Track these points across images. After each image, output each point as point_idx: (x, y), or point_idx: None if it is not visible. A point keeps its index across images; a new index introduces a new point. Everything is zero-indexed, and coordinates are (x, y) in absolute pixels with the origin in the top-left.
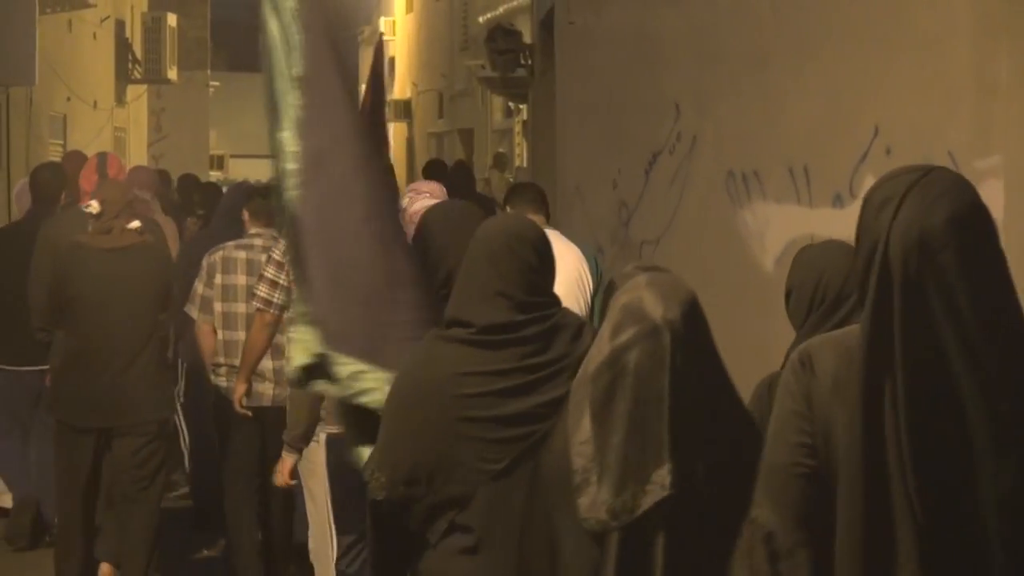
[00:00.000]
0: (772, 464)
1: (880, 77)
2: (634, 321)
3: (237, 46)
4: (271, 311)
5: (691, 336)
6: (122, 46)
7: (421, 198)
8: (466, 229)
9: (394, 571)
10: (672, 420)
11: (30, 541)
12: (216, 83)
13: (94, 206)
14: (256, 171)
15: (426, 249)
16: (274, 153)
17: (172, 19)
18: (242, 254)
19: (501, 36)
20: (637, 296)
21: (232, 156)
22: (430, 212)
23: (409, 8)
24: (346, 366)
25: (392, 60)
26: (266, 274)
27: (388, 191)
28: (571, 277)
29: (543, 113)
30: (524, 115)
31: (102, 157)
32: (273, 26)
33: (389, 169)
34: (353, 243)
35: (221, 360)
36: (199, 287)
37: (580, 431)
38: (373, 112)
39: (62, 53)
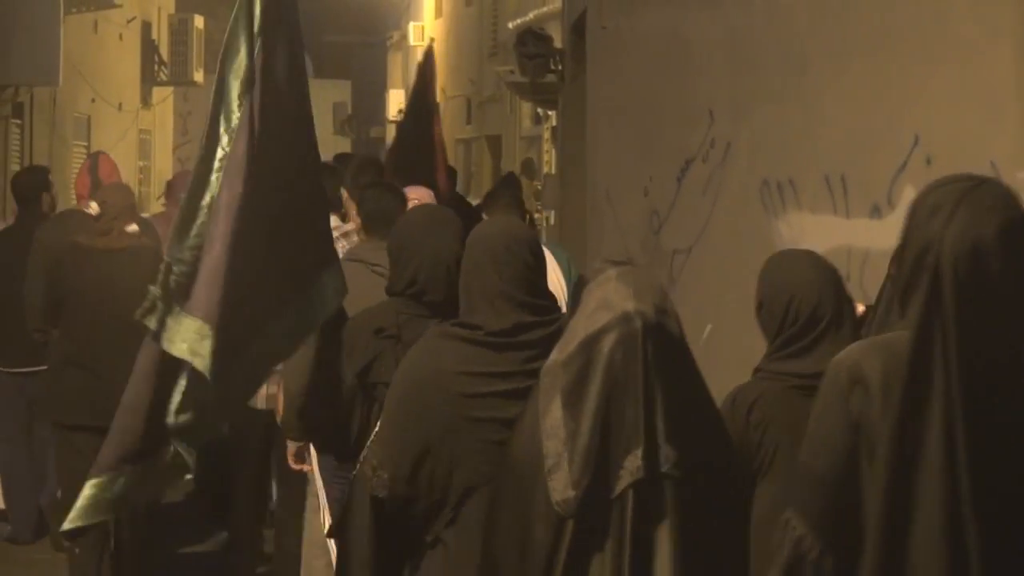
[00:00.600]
0: (810, 469)
1: (921, 85)
2: (607, 310)
3: None
4: None
5: (662, 327)
6: (148, 48)
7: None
8: (432, 232)
9: (393, 571)
10: (645, 406)
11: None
12: None
13: (94, 207)
14: None
15: (393, 251)
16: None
17: (199, 21)
18: None
19: (531, 40)
20: (609, 288)
21: None
22: (402, 217)
23: (438, 13)
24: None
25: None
26: None
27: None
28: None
29: (573, 119)
30: (553, 121)
31: (94, 158)
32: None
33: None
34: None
35: None
36: None
37: (551, 416)
38: (420, 118)
39: (87, 54)
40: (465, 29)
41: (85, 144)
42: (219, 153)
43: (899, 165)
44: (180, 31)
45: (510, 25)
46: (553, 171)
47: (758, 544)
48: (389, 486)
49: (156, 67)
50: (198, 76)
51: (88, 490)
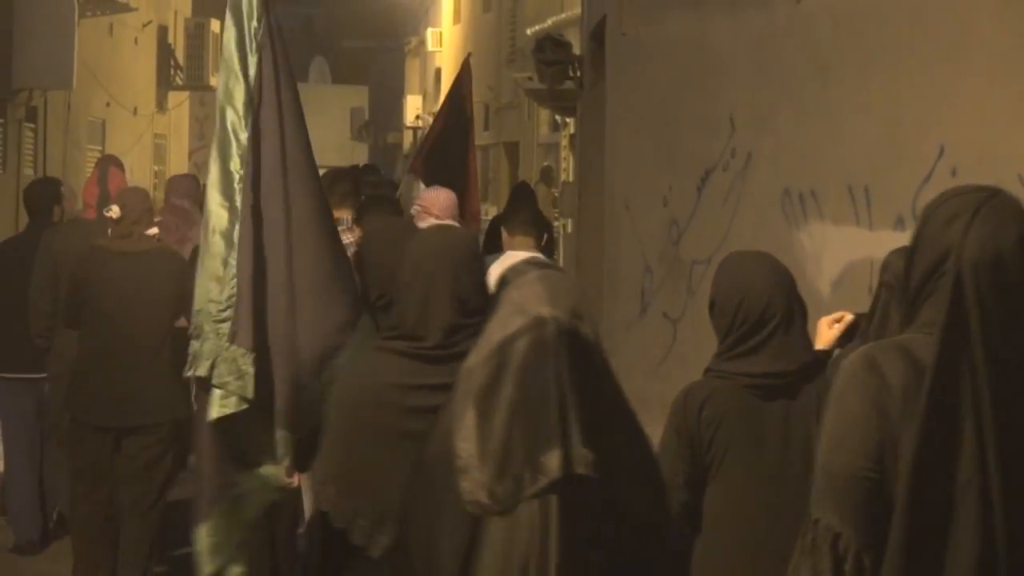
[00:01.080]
0: (836, 468)
1: (946, 95)
2: (521, 314)
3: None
4: None
5: (575, 332)
6: (164, 52)
7: (428, 218)
8: (401, 247)
9: None
10: (560, 407)
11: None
12: None
13: (114, 211)
14: None
15: (363, 266)
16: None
17: (216, 25)
18: None
19: (550, 47)
20: (526, 292)
21: None
22: (372, 231)
23: (456, 19)
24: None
25: (438, 72)
26: None
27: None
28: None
29: (591, 126)
30: (571, 128)
31: (103, 169)
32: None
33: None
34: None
35: None
36: None
37: (464, 417)
38: (447, 127)
39: (102, 58)
40: (483, 35)
41: (99, 148)
42: (235, 178)
43: (924, 176)
44: (196, 35)
45: (528, 31)
46: (571, 178)
47: (710, 542)
48: (333, 501)
49: (172, 71)
50: (214, 80)
51: (205, 540)
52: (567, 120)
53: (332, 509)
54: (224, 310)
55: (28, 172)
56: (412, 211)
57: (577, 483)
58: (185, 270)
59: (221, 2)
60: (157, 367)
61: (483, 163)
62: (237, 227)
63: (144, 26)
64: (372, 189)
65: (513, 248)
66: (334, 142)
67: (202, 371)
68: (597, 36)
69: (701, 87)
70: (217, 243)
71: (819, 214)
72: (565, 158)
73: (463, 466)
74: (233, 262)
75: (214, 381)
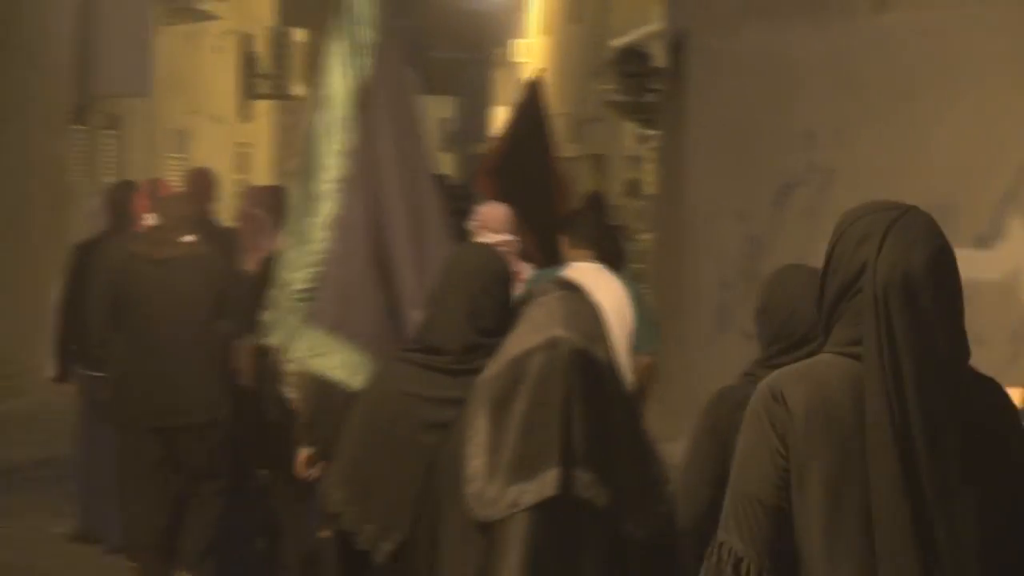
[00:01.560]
0: (742, 492)
1: None
2: (537, 332)
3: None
4: None
5: (587, 354)
6: (247, 60)
7: (486, 233)
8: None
9: None
10: (565, 426)
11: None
12: None
13: (152, 218)
14: None
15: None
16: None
17: (299, 34)
18: None
19: (631, 59)
20: (544, 311)
21: None
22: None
23: (544, 31)
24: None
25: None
26: None
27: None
28: (615, 309)
29: (672, 140)
30: (654, 141)
31: (154, 184)
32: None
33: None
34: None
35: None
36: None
37: (477, 428)
38: (516, 144)
39: (185, 66)
40: (570, 46)
41: (181, 157)
42: (326, 175)
43: (1005, 194)
44: (279, 44)
45: (613, 43)
46: (654, 191)
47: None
48: (343, 506)
49: (255, 80)
50: (297, 89)
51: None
52: (650, 133)
53: (342, 513)
54: (306, 290)
55: (108, 179)
56: (470, 227)
57: (576, 502)
58: (223, 273)
59: (304, 11)
60: (198, 367)
61: (569, 175)
62: (326, 215)
63: (226, 35)
64: (451, 200)
65: (575, 258)
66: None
67: (275, 340)
68: (678, 48)
69: (781, 101)
70: (310, 228)
71: None
72: (649, 171)
73: (471, 474)
74: (320, 247)
75: (289, 355)
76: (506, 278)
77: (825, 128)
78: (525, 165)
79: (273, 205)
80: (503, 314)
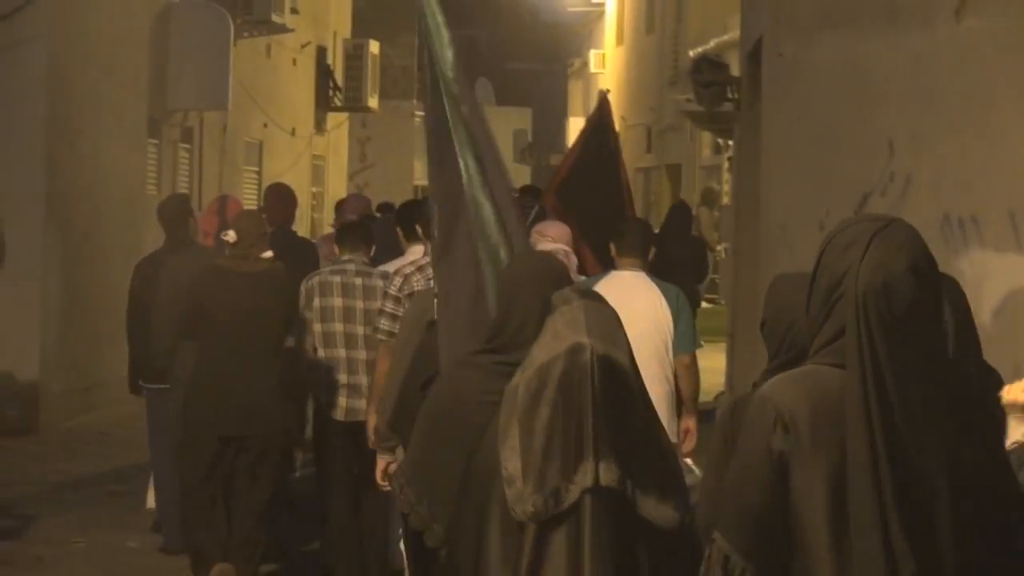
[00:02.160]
0: (739, 497)
1: None
2: (562, 340)
3: None
4: (392, 341)
5: (609, 359)
6: (323, 73)
7: (544, 240)
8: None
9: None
10: (592, 427)
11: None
12: (422, 113)
13: (231, 235)
14: None
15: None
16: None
17: (375, 46)
18: (337, 278)
19: (706, 68)
20: (567, 318)
21: None
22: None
23: (619, 41)
24: None
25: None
26: (386, 309)
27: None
28: (649, 315)
29: (749, 149)
30: (731, 151)
31: (223, 201)
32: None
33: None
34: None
35: (320, 376)
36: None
37: (509, 433)
38: (582, 161)
39: (260, 79)
40: (646, 56)
41: (256, 169)
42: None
43: None
44: (355, 56)
45: (691, 53)
46: (730, 201)
47: None
48: (413, 506)
49: (331, 92)
50: (372, 102)
51: None
52: (727, 142)
53: (411, 514)
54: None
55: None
56: (531, 239)
57: (606, 494)
58: (294, 290)
59: (380, 24)
60: (268, 380)
61: (645, 185)
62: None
63: (302, 47)
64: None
65: (620, 267)
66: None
67: None
68: (754, 57)
69: (859, 109)
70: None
71: (980, 240)
72: (727, 180)
73: (508, 478)
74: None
75: None
76: (570, 280)
77: (903, 136)
78: (593, 183)
79: (369, 213)
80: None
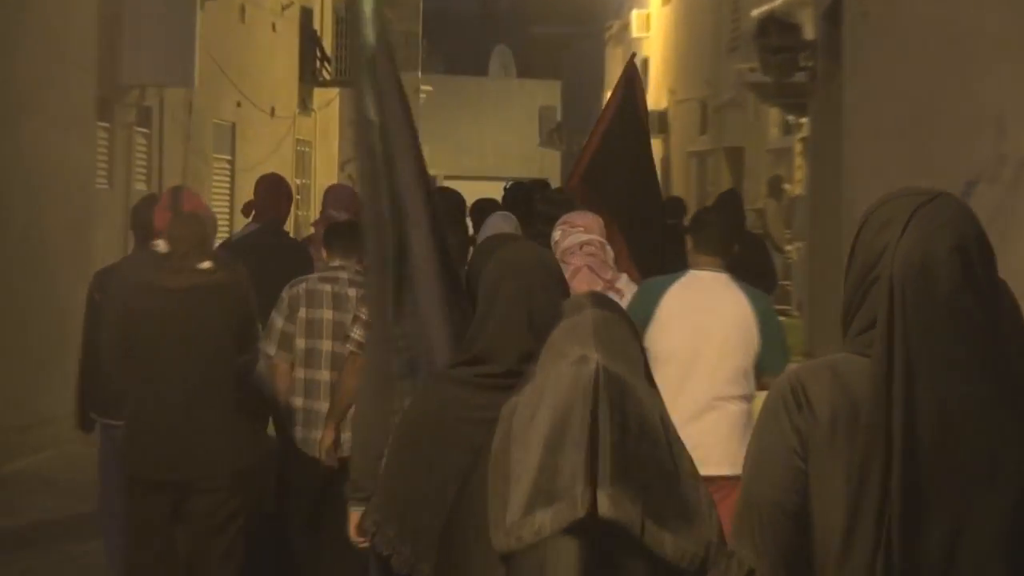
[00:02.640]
0: (756, 499)
1: None
2: (565, 352)
3: (455, 43)
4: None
5: (616, 373)
6: (308, 40)
7: (575, 231)
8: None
9: None
10: (591, 447)
11: None
12: (428, 88)
13: (161, 245)
14: (476, 195)
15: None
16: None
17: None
18: (327, 287)
19: (775, 31)
20: (574, 330)
21: (447, 177)
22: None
23: None
24: None
25: (645, 62)
26: (361, 316)
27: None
28: (735, 324)
29: (827, 128)
30: (805, 131)
31: (175, 193)
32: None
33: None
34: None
35: (299, 403)
36: (278, 321)
37: (503, 453)
38: (607, 142)
39: (232, 48)
40: (699, 18)
41: (228, 158)
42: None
43: None
44: (347, 21)
45: (754, 13)
46: (803, 191)
47: None
48: (394, 547)
49: (318, 64)
50: None
51: None
52: (800, 121)
53: (393, 554)
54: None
55: (140, 187)
56: (556, 231)
57: (604, 523)
58: (246, 302)
59: None
60: (217, 411)
61: (699, 173)
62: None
63: (283, 9)
64: (548, 206)
65: (698, 266)
66: (518, 149)
67: None
68: (833, 17)
69: (960, 80)
70: None
71: None
72: (799, 167)
73: (492, 500)
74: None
75: None
76: (562, 277)
77: (1016, 113)
78: (621, 167)
79: (356, 207)
80: (558, 316)
